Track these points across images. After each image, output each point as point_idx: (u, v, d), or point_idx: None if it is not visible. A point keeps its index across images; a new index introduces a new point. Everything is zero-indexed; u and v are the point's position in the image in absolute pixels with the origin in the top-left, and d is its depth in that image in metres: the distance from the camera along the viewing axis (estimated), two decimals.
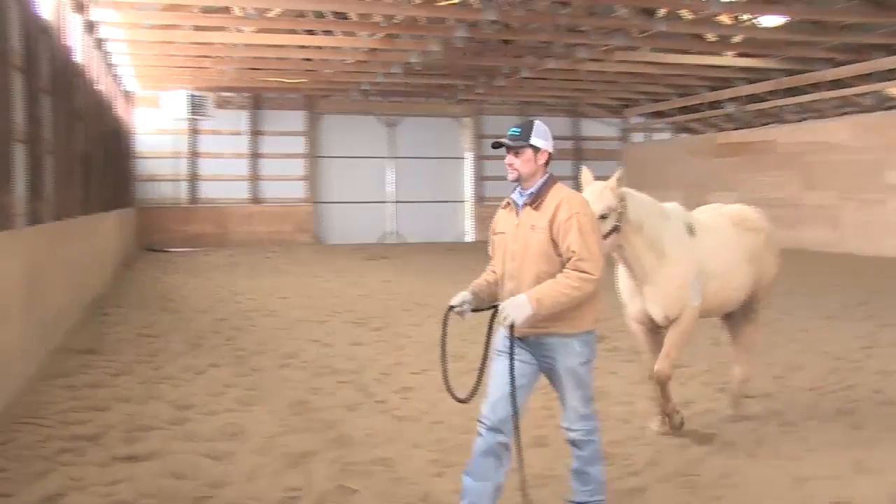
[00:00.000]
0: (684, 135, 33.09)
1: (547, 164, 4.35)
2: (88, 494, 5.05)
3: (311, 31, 19.49)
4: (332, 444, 6.06)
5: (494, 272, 4.47)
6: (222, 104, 27.59)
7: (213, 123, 27.36)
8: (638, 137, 34.47)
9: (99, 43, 17.66)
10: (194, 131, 27.98)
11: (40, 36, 10.30)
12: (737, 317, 6.76)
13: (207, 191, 28.61)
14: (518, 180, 4.35)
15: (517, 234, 4.31)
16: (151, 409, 6.95)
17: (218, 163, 28.51)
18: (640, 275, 5.83)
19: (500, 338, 4.37)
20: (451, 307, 4.39)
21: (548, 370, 4.38)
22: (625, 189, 5.58)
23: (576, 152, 31.97)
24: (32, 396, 7.28)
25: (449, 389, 4.42)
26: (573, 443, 4.45)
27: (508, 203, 4.46)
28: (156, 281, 17.47)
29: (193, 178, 28.33)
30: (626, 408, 6.99)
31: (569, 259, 4.15)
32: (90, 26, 16.07)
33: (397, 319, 12.07)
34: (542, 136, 4.31)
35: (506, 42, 21.06)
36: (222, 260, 23.04)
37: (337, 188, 30.27)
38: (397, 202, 30.92)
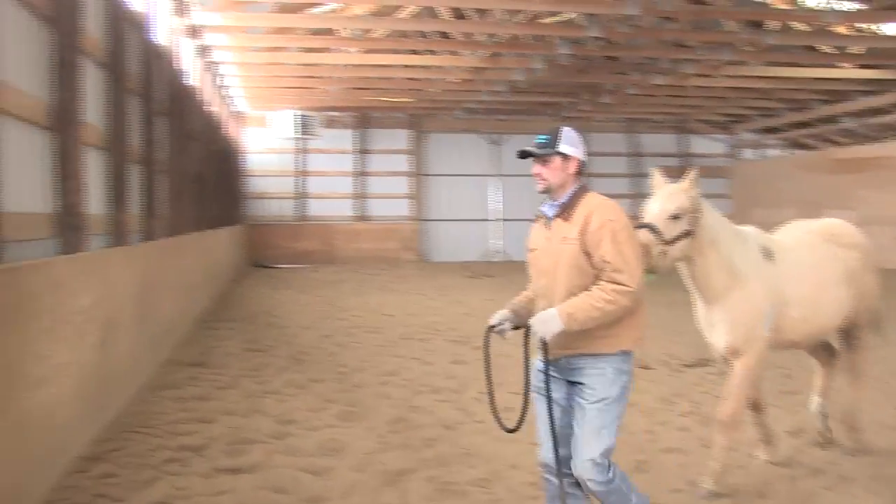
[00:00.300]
0: (798, 151, 31.94)
1: (579, 173, 4.08)
2: None
3: (415, 50, 19.73)
4: (430, 462, 6.04)
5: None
6: (329, 123, 28.16)
7: (320, 142, 27.96)
8: (748, 154, 33.43)
9: (210, 66, 18.32)
10: (302, 150, 28.68)
11: (155, 60, 10.76)
12: (836, 346, 6.26)
13: (315, 208, 29.23)
14: (547, 191, 4.09)
15: (549, 249, 4.07)
16: (255, 423, 7.08)
17: (325, 181, 29.11)
18: (709, 297, 5.30)
19: (535, 372, 4.16)
20: (491, 327, 4.18)
21: (576, 402, 4.03)
22: (701, 196, 5.16)
23: (683, 169, 31.10)
24: (143, 406, 7.53)
25: (496, 418, 4.25)
26: (593, 493, 4.04)
27: (540, 217, 4.22)
28: (263, 296, 17.91)
29: (301, 196, 29.01)
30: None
31: (602, 270, 3.87)
32: (202, 50, 16.68)
33: (497, 339, 11.96)
34: (571, 142, 4.05)
35: (610, 58, 20.82)
36: (328, 276, 23.46)
37: (442, 206, 30.48)
38: (504, 220, 30.84)
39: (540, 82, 22.17)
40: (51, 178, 6.46)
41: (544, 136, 4.07)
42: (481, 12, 17.81)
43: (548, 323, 3.84)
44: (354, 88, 23.73)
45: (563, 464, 4.01)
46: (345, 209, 29.45)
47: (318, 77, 21.79)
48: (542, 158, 4.05)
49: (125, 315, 7.72)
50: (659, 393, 8.14)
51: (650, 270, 4.63)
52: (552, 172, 4.04)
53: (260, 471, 5.85)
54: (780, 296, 5.41)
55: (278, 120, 26.33)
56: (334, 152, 29.02)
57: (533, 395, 4.17)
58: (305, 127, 26.09)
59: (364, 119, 29.34)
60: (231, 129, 24.48)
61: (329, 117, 28.11)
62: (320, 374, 9.26)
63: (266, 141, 27.96)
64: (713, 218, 5.23)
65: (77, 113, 6.64)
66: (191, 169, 14.29)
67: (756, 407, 5.91)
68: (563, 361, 4.02)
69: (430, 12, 18.00)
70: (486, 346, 4.25)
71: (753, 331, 5.28)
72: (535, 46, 18.78)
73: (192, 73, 15.48)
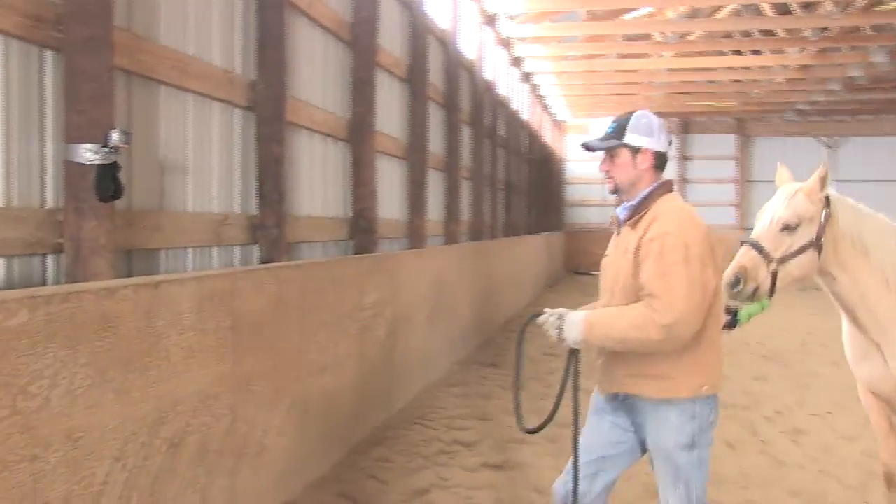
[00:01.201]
0: None
1: (658, 167, 3.26)
2: (450, 494, 5.44)
3: (737, 51, 18.81)
4: None
5: None
6: None
7: None
8: None
9: (526, 76, 18.87)
10: None
11: (458, 72, 11.34)
12: None
13: None
14: (616, 192, 3.34)
15: (613, 260, 3.36)
16: (529, 423, 7.20)
17: None
18: (869, 322, 4.05)
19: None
20: (535, 316, 3.38)
21: (648, 449, 3.36)
22: (834, 195, 4.08)
23: None
24: (430, 401, 7.98)
25: (518, 415, 3.60)
26: None
27: (614, 220, 3.50)
28: (573, 302, 18.02)
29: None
30: None
31: (640, 293, 3.11)
32: (516, 61, 17.24)
33: (812, 356, 11.14)
34: (642, 131, 3.22)
35: None
36: None
37: None
38: None
39: (884, 77, 20.05)
40: (346, 185, 7.12)
41: (612, 125, 3.31)
42: (807, 6, 16.54)
43: (571, 326, 3.15)
44: (675, 93, 23.15)
45: (581, 500, 3.40)
46: None
47: (636, 83, 21.57)
48: (608, 152, 3.29)
49: (417, 314, 8.23)
50: None
51: (756, 298, 3.89)
52: (620, 169, 3.26)
53: (524, 469, 5.97)
54: None
55: (598, 127, 26.42)
56: None
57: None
58: None
59: (686, 124, 28.52)
60: (550, 137, 25.05)
61: None
62: None
63: None
64: (856, 219, 4.09)
65: (370, 125, 7.24)
66: (499, 176, 14.82)
67: None
68: (621, 400, 3.36)
69: (750, 10, 17.06)
70: (521, 335, 3.58)
71: None
72: (875, 38, 17.04)
73: (504, 82, 16.07)
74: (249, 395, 4.56)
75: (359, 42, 7.01)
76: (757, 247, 3.96)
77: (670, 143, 3.33)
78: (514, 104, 17.48)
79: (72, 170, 3.41)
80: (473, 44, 12.82)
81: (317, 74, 6.44)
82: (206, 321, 4.03)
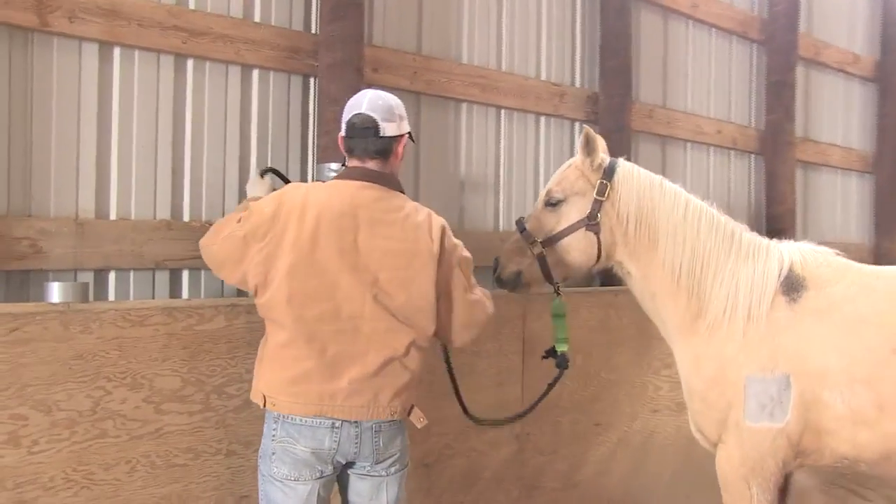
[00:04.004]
0: None
1: (346, 151, 2.80)
2: None
3: None
4: None
5: None
6: None
7: None
8: None
9: None
10: None
11: None
12: None
13: None
14: None
15: None
16: None
17: None
18: (663, 330, 3.39)
19: None
20: None
21: None
22: (625, 165, 3.28)
23: None
24: None
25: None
26: None
27: None
28: None
29: None
30: None
31: None
32: None
33: None
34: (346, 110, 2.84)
35: None
36: None
37: None
38: None
39: None
40: (759, 203, 6.32)
41: None
42: None
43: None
44: None
45: None
46: None
47: None
48: None
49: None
50: None
51: (522, 285, 3.34)
52: None
53: None
54: (798, 364, 3.01)
55: None
56: None
57: None
58: None
59: None
60: None
61: None
62: None
63: None
64: (654, 201, 3.22)
65: (788, 133, 6.29)
66: None
67: None
68: None
69: None
70: None
71: (724, 411, 3.13)
72: None
73: None
74: (547, 424, 4.30)
75: (773, 40, 6.14)
76: (520, 227, 3.35)
77: (352, 126, 2.75)
78: None
79: None
80: None
81: (702, 81, 5.83)
82: (481, 343, 3.91)
